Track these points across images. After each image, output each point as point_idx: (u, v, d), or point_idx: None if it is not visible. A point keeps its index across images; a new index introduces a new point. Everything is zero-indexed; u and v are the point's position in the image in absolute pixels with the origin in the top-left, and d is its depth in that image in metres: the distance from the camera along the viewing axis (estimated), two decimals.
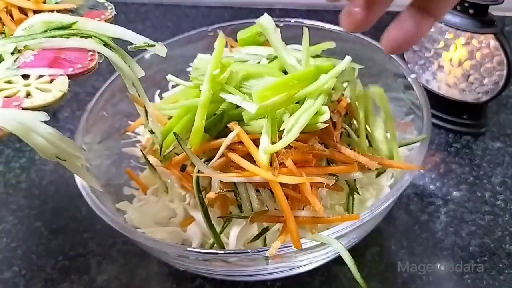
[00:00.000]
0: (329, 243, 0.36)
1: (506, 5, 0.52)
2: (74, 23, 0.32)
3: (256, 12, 0.49)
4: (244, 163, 0.37)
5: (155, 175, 0.45)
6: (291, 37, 0.48)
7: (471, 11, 0.53)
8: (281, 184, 0.36)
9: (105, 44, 0.32)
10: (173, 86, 0.55)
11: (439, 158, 0.57)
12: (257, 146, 0.37)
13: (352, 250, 0.46)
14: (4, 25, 0.37)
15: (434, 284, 0.45)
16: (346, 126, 0.42)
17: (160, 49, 0.34)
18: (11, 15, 0.38)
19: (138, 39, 0.33)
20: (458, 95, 0.59)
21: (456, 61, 0.57)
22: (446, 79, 0.59)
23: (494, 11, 0.54)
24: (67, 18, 0.33)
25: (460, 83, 0.58)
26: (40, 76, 0.30)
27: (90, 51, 0.31)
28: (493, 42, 0.53)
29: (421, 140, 0.43)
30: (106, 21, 0.36)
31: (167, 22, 0.86)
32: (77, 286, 0.47)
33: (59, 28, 0.32)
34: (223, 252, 0.38)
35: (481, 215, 0.50)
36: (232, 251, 0.38)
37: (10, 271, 0.49)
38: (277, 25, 0.52)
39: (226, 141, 0.38)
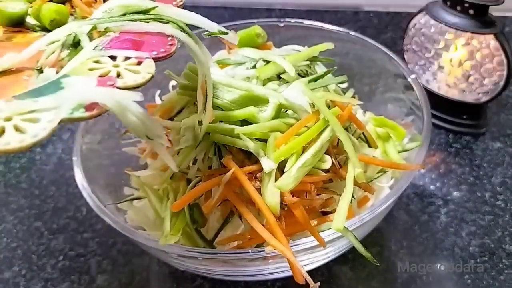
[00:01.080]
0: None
1: (506, 5, 0.52)
2: (154, 8, 0.33)
3: (256, 12, 0.49)
4: (257, 226, 0.36)
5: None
6: (291, 37, 0.48)
7: (471, 11, 0.54)
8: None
9: (182, 30, 0.32)
10: (173, 87, 0.55)
11: (439, 158, 0.57)
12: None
13: (353, 250, 0.46)
14: (73, 7, 0.37)
15: (434, 284, 0.45)
16: (346, 131, 0.42)
17: (233, 37, 0.34)
18: None
19: (213, 27, 0.33)
20: (458, 95, 0.59)
21: (456, 61, 0.57)
22: (446, 80, 0.59)
23: (494, 11, 0.54)
24: (146, 3, 0.33)
25: (460, 84, 0.58)
26: (127, 58, 0.30)
27: (169, 36, 0.31)
28: (493, 43, 0.53)
29: (416, 147, 0.43)
30: (178, 7, 0.36)
31: None
32: (77, 286, 0.47)
33: (138, 12, 0.32)
34: (223, 252, 0.38)
35: (481, 215, 0.50)
36: (232, 251, 0.38)
37: (10, 271, 0.49)
38: (277, 25, 0.52)
39: (222, 183, 0.37)
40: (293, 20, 0.56)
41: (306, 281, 0.35)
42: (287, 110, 0.41)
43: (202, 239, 0.40)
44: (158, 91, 0.55)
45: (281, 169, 0.37)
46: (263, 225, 0.36)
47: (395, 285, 0.45)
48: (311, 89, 0.42)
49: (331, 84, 0.45)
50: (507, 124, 0.61)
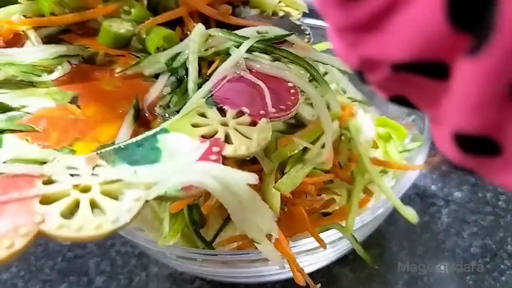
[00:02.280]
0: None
1: None
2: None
3: None
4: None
5: None
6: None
7: None
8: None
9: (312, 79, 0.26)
10: None
11: (441, 158, 0.57)
12: None
13: (353, 251, 0.46)
14: (184, 31, 0.32)
15: (435, 285, 0.45)
16: (346, 132, 0.42)
17: None
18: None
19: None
20: None
21: None
22: None
23: None
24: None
25: None
26: (239, 115, 0.23)
27: (290, 85, 0.24)
28: None
29: (418, 147, 0.43)
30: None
31: None
32: (76, 287, 0.47)
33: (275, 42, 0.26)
34: (222, 253, 0.38)
35: (482, 216, 0.50)
36: (232, 252, 0.38)
37: (8, 272, 0.49)
38: None
39: None
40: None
41: (307, 282, 0.34)
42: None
43: (201, 240, 0.39)
44: None
45: (281, 170, 0.37)
46: None
47: (396, 286, 0.45)
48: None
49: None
50: None
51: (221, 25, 0.32)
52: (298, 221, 0.36)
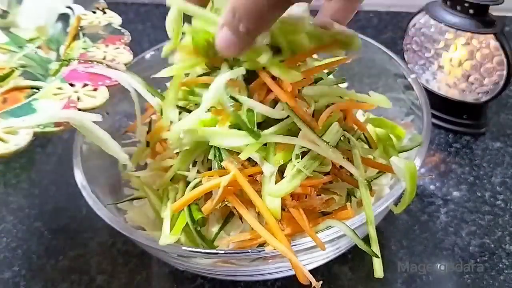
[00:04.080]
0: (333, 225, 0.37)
1: (506, 5, 0.52)
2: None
3: None
4: (258, 228, 0.36)
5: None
6: None
7: (471, 11, 0.54)
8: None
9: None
10: None
11: (439, 158, 0.57)
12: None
13: (353, 250, 0.46)
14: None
15: (434, 284, 0.45)
16: (346, 132, 0.42)
17: None
18: None
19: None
20: (458, 95, 0.59)
21: (456, 61, 0.57)
22: (446, 79, 0.59)
23: (494, 11, 0.54)
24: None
25: (460, 83, 0.58)
26: (84, 85, 0.38)
27: None
28: (493, 42, 0.53)
29: (416, 146, 0.43)
30: (125, 44, 0.44)
31: None
32: (77, 286, 0.47)
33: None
34: (223, 252, 0.38)
35: (481, 215, 0.50)
36: (233, 251, 0.38)
37: (10, 271, 0.49)
38: None
39: (222, 185, 0.37)
40: None
41: (295, 271, 0.35)
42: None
43: (202, 239, 0.40)
44: (158, 90, 0.55)
45: (282, 172, 0.37)
46: (263, 226, 0.36)
47: (395, 285, 0.45)
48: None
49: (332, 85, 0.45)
50: (507, 124, 0.61)
51: None
52: (298, 222, 0.36)
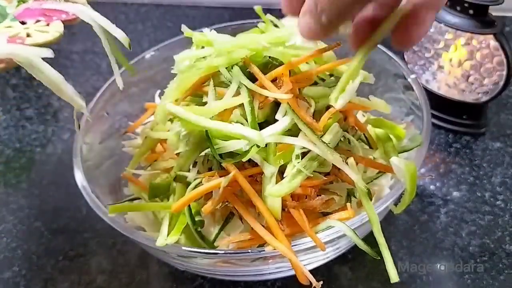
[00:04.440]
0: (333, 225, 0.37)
1: (506, 5, 0.52)
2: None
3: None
4: (258, 228, 0.36)
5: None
6: None
7: (471, 11, 0.54)
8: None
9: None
10: None
11: (439, 158, 0.57)
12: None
13: (352, 250, 0.46)
14: None
15: (434, 284, 0.45)
16: (346, 133, 0.42)
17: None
18: None
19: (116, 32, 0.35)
20: (458, 95, 0.59)
21: (456, 61, 0.57)
22: (446, 80, 0.59)
23: (494, 11, 0.54)
24: None
25: (460, 84, 0.58)
26: (37, 21, 0.33)
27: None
28: (493, 43, 0.53)
29: (416, 147, 0.43)
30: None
31: (167, 22, 0.86)
32: (77, 286, 0.47)
33: None
34: (223, 252, 0.38)
35: (481, 215, 0.50)
36: (232, 251, 0.38)
37: (10, 271, 0.49)
38: (277, 25, 0.52)
39: (222, 185, 0.37)
40: None
41: (296, 272, 0.35)
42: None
43: (202, 240, 0.40)
44: (158, 91, 0.56)
45: (282, 172, 0.37)
46: (263, 226, 0.36)
47: (395, 285, 0.45)
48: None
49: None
50: (507, 124, 0.61)
51: None
52: (298, 222, 0.36)
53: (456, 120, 0.60)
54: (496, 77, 0.55)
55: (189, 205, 0.39)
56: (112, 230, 0.39)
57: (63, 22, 0.34)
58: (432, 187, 0.54)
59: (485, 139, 0.59)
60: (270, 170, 0.36)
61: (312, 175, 0.37)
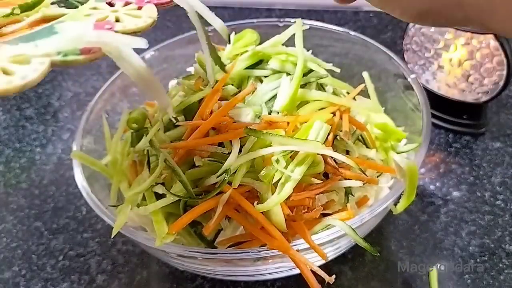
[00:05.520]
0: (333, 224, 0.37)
1: None
2: None
3: (256, 13, 0.49)
4: (268, 241, 0.36)
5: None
6: (291, 37, 0.48)
7: None
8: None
9: None
10: (172, 86, 0.54)
11: (439, 158, 0.57)
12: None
13: (352, 250, 0.46)
14: None
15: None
16: (340, 132, 0.42)
17: None
18: None
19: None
20: (458, 95, 0.59)
21: (456, 61, 0.57)
22: (446, 79, 0.59)
23: None
24: None
25: (460, 83, 0.58)
26: (126, 4, 0.29)
27: None
28: (493, 42, 0.53)
29: (416, 147, 0.43)
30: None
31: (167, 22, 0.86)
32: (77, 286, 0.47)
33: None
34: (223, 251, 0.38)
35: (481, 215, 0.50)
36: (232, 251, 0.38)
37: (10, 271, 0.49)
38: (277, 25, 0.52)
39: (220, 203, 0.37)
40: (293, 20, 0.56)
41: (307, 281, 0.35)
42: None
43: (202, 240, 0.40)
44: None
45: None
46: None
47: (395, 285, 0.45)
48: (303, 84, 0.43)
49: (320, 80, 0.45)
50: (507, 124, 0.61)
51: None
52: (300, 235, 0.37)
53: (456, 120, 0.60)
54: (496, 77, 0.55)
55: (185, 201, 0.39)
56: (112, 230, 0.39)
57: (155, 5, 0.30)
58: (432, 187, 0.54)
59: (485, 139, 0.59)
60: (262, 187, 0.37)
61: (306, 181, 0.37)
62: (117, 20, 0.27)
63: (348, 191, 0.41)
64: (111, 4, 0.29)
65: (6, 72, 0.23)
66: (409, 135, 0.49)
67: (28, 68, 0.23)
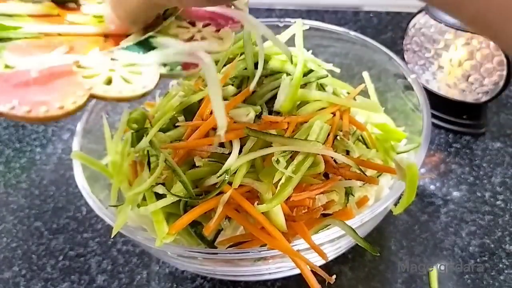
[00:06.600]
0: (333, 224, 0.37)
1: None
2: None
3: (256, 13, 0.49)
4: (270, 242, 0.36)
5: None
6: (291, 37, 0.48)
7: None
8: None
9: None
10: (173, 86, 0.54)
11: (439, 158, 0.57)
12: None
13: (352, 250, 0.46)
14: None
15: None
16: (340, 132, 0.42)
17: None
18: None
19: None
20: (458, 95, 0.59)
21: (456, 61, 0.57)
22: (446, 80, 0.59)
23: None
24: None
25: (460, 84, 0.58)
26: (206, 25, 0.30)
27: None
28: (493, 43, 0.53)
29: (416, 147, 0.43)
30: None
31: None
32: (77, 286, 0.47)
33: None
34: (223, 251, 0.38)
35: (481, 215, 0.50)
36: (233, 251, 0.38)
37: (10, 271, 0.49)
38: (277, 25, 0.52)
39: (221, 203, 0.37)
40: (293, 20, 0.56)
41: (307, 281, 0.35)
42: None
43: (202, 240, 0.40)
44: (158, 91, 0.55)
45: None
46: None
47: (395, 285, 0.45)
48: (303, 84, 0.43)
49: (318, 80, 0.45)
50: (507, 124, 0.61)
51: None
52: (300, 235, 0.37)
53: (456, 120, 0.60)
54: (496, 77, 0.55)
55: (185, 201, 0.39)
56: (112, 230, 0.39)
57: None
58: (432, 187, 0.54)
59: (485, 139, 0.59)
60: (263, 187, 0.37)
61: (306, 181, 0.37)
62: (203, 38, 0.29)
63: (348, 191, 0.41)
64: (192, 24, 0.30)
65: (125, 81, 0.24)
66: (409, 135, 0.48)
67: (145, 79, 0.25)
